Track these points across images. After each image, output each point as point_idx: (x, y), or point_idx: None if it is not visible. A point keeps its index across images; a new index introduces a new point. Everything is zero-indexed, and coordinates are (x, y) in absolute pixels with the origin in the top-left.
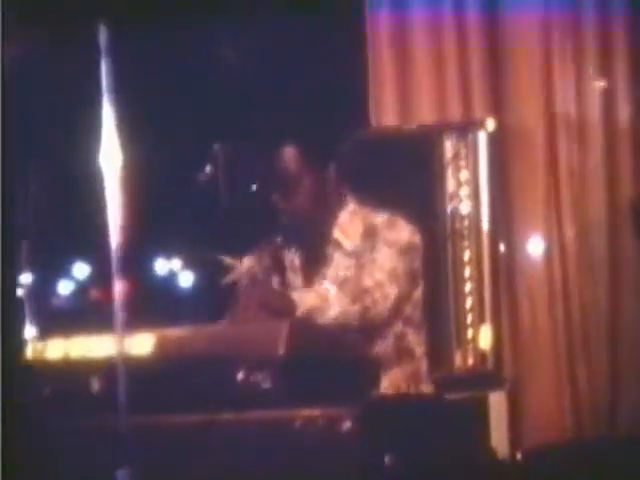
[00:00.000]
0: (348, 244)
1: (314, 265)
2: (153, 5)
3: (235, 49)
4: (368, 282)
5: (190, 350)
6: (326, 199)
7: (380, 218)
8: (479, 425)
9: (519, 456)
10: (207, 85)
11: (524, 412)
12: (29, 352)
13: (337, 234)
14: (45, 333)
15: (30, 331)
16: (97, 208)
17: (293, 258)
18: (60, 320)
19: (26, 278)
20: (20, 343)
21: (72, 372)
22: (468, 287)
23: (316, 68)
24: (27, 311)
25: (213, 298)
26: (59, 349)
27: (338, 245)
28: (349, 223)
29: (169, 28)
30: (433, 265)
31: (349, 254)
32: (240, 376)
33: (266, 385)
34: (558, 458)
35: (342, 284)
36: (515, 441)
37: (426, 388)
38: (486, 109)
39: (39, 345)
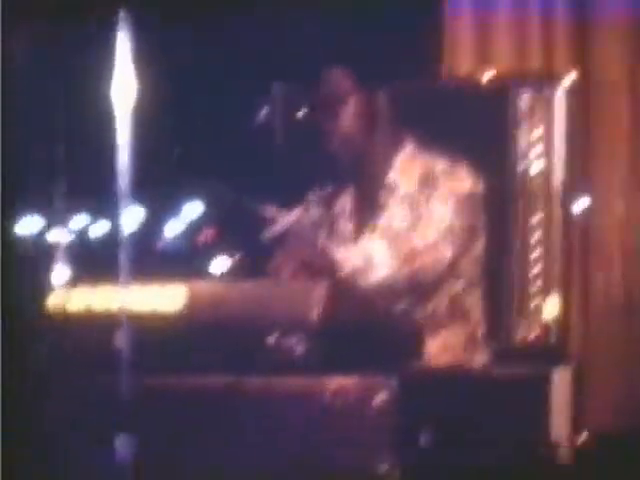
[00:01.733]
0: (403, 190)
1: (367, 212)
2: None
3: None
4: (421, 242)
5: (221, 306)
6: (381, 135)
7: (440, 165)
8: (538, 405)
9: (581, 441)
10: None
11: (590, 393)
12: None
13: (392, 177)
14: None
15: (59, 277)
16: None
17: (344, 204)
18: (89, 267)
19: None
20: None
21: (92, 325)
22: (536, 253)
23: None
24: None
25: (253, 252)
26: (83, 299)
27: (392, 190)
28: (406, 167)
29: None
30: (498, 226)
31: (404, 201)
32: (271, 339)
33: (298, 350)
34: (625, 445)
35: (393, 239)
36: (578, 425)
37: (480, 358)
38: (568, 60)
39: (62, 293)
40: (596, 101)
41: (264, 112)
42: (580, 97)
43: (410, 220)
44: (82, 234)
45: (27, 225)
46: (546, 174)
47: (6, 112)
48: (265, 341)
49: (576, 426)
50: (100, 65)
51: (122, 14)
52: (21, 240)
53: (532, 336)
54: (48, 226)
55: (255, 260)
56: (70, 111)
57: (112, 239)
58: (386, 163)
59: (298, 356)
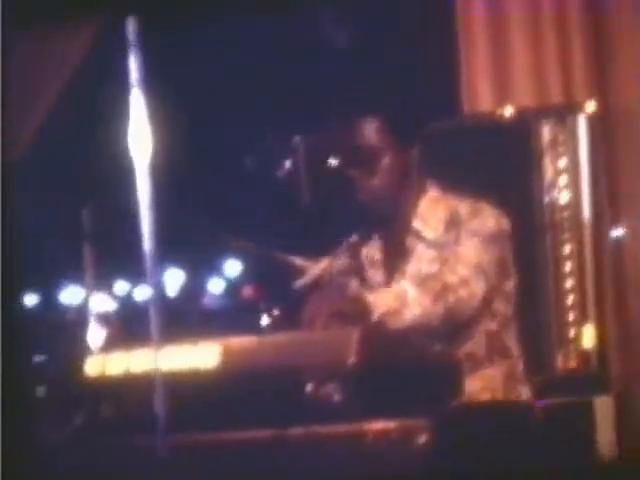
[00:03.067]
0: (430, 234)
1: (395, 259)
2: None
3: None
4: (451, 278)
5: (256, 361)
6: (406, 184)
7: (464, 205)
8: (582, 433)
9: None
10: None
11: (633, 419)
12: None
13: (417, 223)
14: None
15: (92, 343)
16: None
17: (372, 253)
18: (122, 332)
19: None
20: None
21: (131, 387)
22: (569, 283)
23: (408, 52)
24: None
25: (283, 304)
26: (120, 362)
27: (419, 236)
28: (431, 212)
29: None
30: (529, 259)
31: (431, 246)
32: (309, 388)
33: (337, 397)
34: None
35: (423, 281)
36: (623, 450)
37: (523, 392)
38: (587, 92)
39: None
40: (619, 129)
41: (289, 164)
42: (603, 125)
43: (439, 262)
44: (118, 299)
45: (67, 294)
46: (574, 204)
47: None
48: (303, 391)
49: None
50: (120, 125)
51: (136, 73)
52: (56, 309)
53: (572, 366)
54: (84, 294)
55: (291, 312)
56: (93, 174)
57: (148, 302)
58: (411, 209)
59: (337, 403)
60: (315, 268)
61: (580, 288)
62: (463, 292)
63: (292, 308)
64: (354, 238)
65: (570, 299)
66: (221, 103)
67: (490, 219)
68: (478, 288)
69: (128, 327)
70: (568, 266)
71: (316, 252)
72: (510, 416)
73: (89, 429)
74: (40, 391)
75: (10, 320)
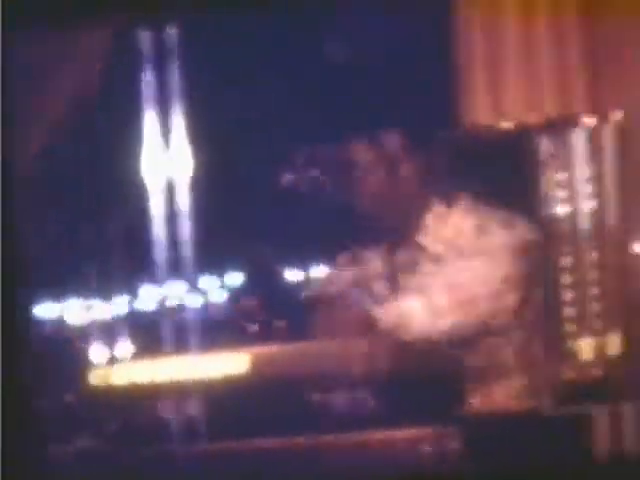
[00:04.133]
0: (434, 249)
1: (400, 273)
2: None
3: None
4: (459, 294)
5: (271, 370)
6: (409, 199)
7: (468, 222)
8: (587, 442)
9: None
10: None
11: (633, 429)
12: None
13: (422, 238)
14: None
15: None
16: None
17: (378, 266)
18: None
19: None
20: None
21: (154, 395)
22: (569, 295)
23: (404, 67)
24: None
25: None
26: (136, 371)
27: (424, 250)
28: (435, 227)
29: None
30: (532, 272)
31: (435, 260)
32: (317, 397)
33: (365, 405)
34: None
35: (429, 295)
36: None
37: (542, 401)
38: (585, 105)
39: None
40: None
41: (291, 176)
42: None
43: (444, 276)
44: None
45: (68, 307)
46: (598, 215)
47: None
48: (310, 400)
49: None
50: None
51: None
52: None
53: (593, 375)
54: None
55: (296, 324)
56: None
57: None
58: (417, 223)
59: (366, 410)
60: (324, 280)
61: (580, 299)
62: (468, 306)
63: (301, 319)
64: (360, 251)
65: (570, 311)
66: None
67: (495, 237)
68: (483, 303)
69: (135, 338)
70: (568, 278)
71: (322, 264)
72: (526, 424)
73: (100, 441)
74: (43, 404)
75: (11, 331)
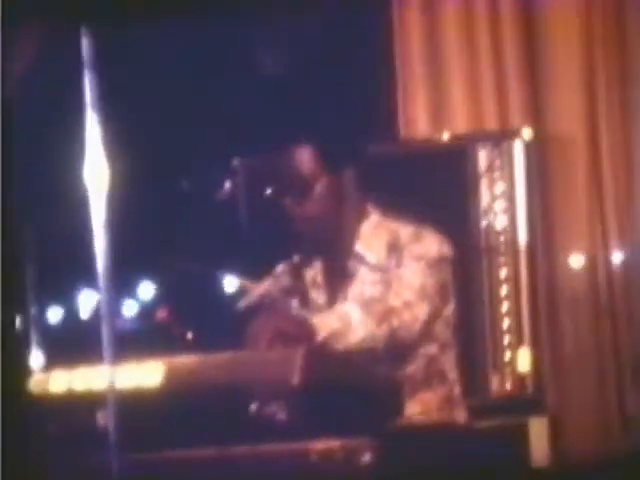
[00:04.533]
0: (372, 258)
1: (337, 282)
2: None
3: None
4: (395, 302)
5: (199, 380)
6: (346, 209)
7: (405, 231)
8: (518, 454)
9: None
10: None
11: (567, 441)
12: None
13: (359, 247)
14: (49, 364)
15: (34, 361)
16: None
17: (315, 275)
18: (64, 350)
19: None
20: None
21: (74, 406)
22: (505, 307)
23: (344, 75)
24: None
25: (226, 324)
26: (62, 381)
27: (361, 259)
28: (372, 236)
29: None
30: (466, 283)
31: (373, 269)
32: (253, 407)
33: (280, 416)
34: None
35: (367, 303)
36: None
37: (459, 415)
38: (523, 118)
39: (42, 376)
40: (553, 157)
41: (228, 187)
42: (537, 153)
43: (381, 285)
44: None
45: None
46: (510, 229)
47: None
48: (247, 410)
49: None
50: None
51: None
52: None
53: (507, 389)
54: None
55: (225, 332)
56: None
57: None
58: (352, 233)
59: (281, 423)
60: (257, 288)
61: (516, 312)
62: (406, 314)
63: (233, 328)
64: (295, 259)
65: (506, 323)
66: (156, 123)
67: (432, 245)
68: (421, 311)
69: (70, 346)
70: (504, 290)
71: (257, 274)
72: (447, 438)
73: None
74: None
75: None
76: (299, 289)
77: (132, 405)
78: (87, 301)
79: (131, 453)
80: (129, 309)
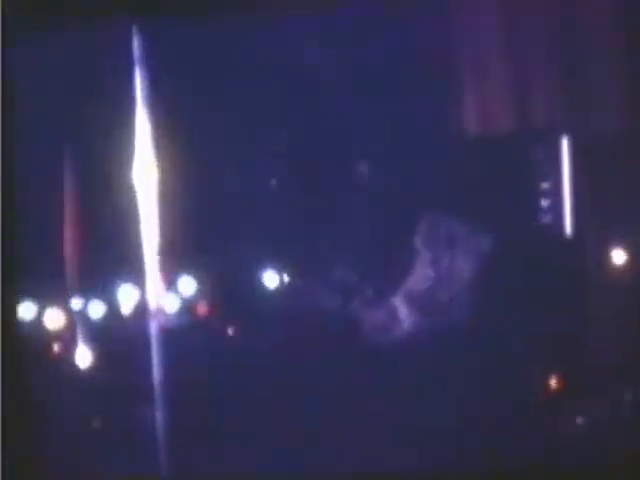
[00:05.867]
0: (427, 254)
1: (393, 276)
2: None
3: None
4: (444, 295)
5: None
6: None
7: (459, 228)
8: None
9: None
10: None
11: None
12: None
13: (417, 243)
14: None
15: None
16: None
17: (369, 269)
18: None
19: None
20: None
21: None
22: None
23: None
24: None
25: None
26: None
27: (417, 254)
28: (428, 232)
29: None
30: (515, 278)
31: (428, 264)
32: None
33: None
34: None
35: (418, 297)
36: None
37: None
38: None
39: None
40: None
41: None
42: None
43: (434, 279)
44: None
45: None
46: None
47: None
48: None
49: None
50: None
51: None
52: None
53: None
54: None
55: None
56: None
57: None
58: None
59: None
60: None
61: None
62: (455, 307)
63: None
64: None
65: None
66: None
67: (483, 241)
68: (468, 303)
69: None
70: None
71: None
72: None
73: None
74: None
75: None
76: (353, 284)
77: None
78: (128, 296)
79: None
80: (170, 304)
